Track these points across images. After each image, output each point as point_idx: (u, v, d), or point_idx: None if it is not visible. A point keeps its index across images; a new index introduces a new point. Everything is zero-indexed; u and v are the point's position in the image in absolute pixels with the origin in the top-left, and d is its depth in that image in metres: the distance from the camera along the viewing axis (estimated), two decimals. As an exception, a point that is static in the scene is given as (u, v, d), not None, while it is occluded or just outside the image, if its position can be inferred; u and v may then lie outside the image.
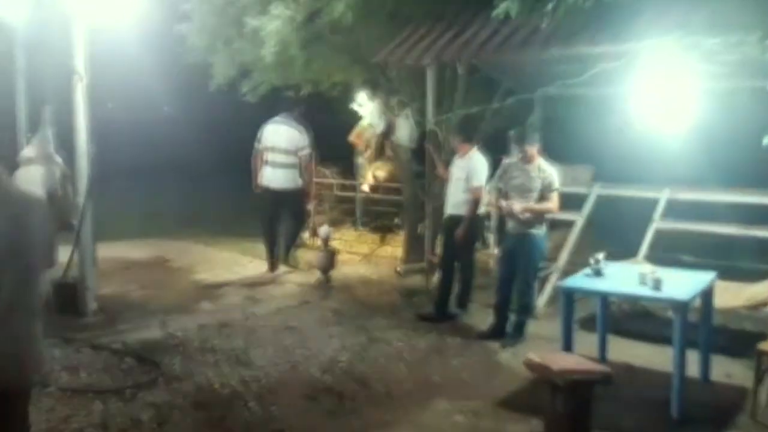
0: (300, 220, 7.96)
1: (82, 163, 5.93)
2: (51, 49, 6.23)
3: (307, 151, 7.54)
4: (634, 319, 5.94)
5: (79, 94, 5.88)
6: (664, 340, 4.86)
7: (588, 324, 5.61)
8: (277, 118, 7.62)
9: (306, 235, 8.69)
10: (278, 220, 7.66)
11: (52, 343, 5.16)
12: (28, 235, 2.48)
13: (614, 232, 6.99)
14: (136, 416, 4.13)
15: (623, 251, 6.09)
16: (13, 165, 6.25)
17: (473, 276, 6.47)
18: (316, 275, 7.49)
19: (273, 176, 7.45)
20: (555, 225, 7.22)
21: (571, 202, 7.06)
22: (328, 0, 6.92)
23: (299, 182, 7.59)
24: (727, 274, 5.81)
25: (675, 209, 6.67)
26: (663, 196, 6.55)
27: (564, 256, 6.59)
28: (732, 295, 5.45)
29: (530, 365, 4.11)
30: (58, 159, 6.30)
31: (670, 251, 6.31)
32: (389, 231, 9.16)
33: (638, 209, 6.83)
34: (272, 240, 7.63)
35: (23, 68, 6.77)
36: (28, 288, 2.50)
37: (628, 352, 5.31)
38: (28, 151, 6.33)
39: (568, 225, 6.98)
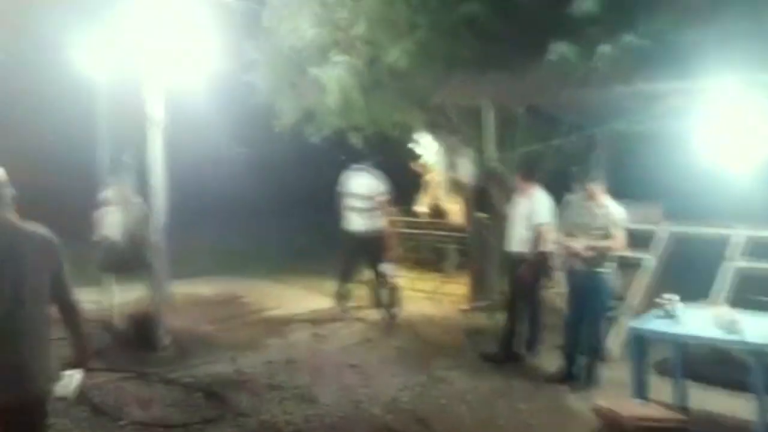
0: (379, 260, 7.97)
1: (157, 203, 6.21)
2: (130, 99, 6.59)
3: (383, 196, 7.77)
4: (714, 364, 5.66)
5: (154, 140, 6.20)
6: (746, 386, 4.61)
7: (663, 368, 5.38)
8: (357, 167, 7.92)
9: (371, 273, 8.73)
10: (358, 261, 7.91)
11: (126, 376, 5.40)
12: (20, 266, 2.72)
13: (687, 271, 6.75)
14: (204, 452, 4.23)
15: (696, 292, 5.87)
16: (95, 206, 6.64)
17: (540, 316, 6.36)
18: (380, 313, 7.52)
19: (354, 221, 7.73)
20: (627, 264, 7.07)
21: (641, 240, 6.88)
22: (385, 47, 7.07)
23: (378, 225, 7.78)
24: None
25: (750, 248, 6.38)
26: (740, 233, 6.28)
27: (635, 297, 6.39)
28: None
29: (599, 412, 4.01)
30: (137, 200, 6.61)
31: (747, 292, 6.02)
32: (453, 269, 9.11)
33: (712, 248, 6.57)
34: (347, 278, 7.83)
35: (105, 117, 7.18)
36: (24, 314, 2.71)
37: (707, 399, 5.05)
38: (108, 193, 6.67)
39: (641, 264, 6.77)
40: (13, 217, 2.83)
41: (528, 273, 5.97)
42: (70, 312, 2.97)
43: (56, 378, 2.91)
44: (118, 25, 6.31)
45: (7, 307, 2.68)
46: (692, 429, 4.48)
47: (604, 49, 4.42)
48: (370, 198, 7.72)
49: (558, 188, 6.81)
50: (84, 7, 6.77)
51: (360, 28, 7.10)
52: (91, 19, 6.71)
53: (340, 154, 8.87)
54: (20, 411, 2.72)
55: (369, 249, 7.76)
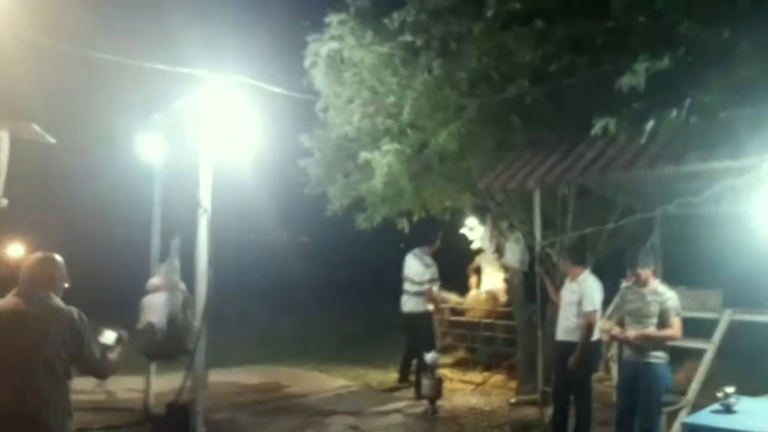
0: (422, 342, 7.94)
1: (201, 288, 6.25)
2: (182, 184, 6.81)
3: (429, 281, 8.07)
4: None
5: (202, 225, 6.31)
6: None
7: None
8: (415, 251, 8.25)
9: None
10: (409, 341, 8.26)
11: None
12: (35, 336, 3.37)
13: (749, 362, 6.28)
14: None
15: (761, 385, 5.41)
16: (142, 292, 6.74)
17: (591, 408, 5.95)
18: (423, 405, 7.21)
19: (404, 302, 8.14)
20: (686, 354, 6.63)
21: (699, 328, 6.49)
22: (433, 131, 7.16)
23: (424, 307, 8.05)
24: None
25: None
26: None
27: (694, 388, 5.95)
28: None
29: None
30: (182, 286, 6.66)
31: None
32: (504, 359, 8.76)
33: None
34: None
35: (159, 201, 7.41)
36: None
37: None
38: (155, 280, 6.77)
39: (700, 354, 6.35)
40: (50, 298, 3.48)
41: (577, 363, 5.64)
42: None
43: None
44: (179, 112, 6.62)
45: (32, 366, 3.32)
46: None
47: (649, 125, 4.29)
48: (416, 282, 8.02)
49: (612, 274, 6.56)
50: (147, 91, 7.15)
51: (409, 115, 7.23)
52: (153, 103, 7.05)
53: (396, 242, 8.91)
54: None
55: (413, 332, 7.98)
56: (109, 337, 3.75)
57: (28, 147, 5.96)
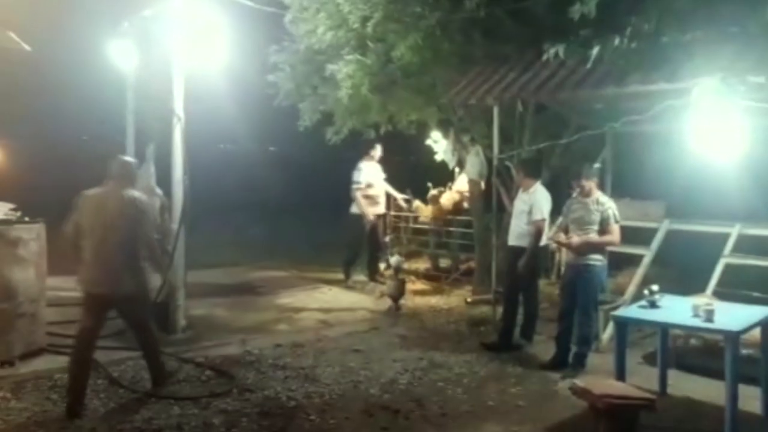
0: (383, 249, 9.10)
1: (177, 194, 6.60)
2: (155, 93, 6.99)
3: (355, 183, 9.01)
4: (701, 354, 5.86)
5: (176, 133, 6.59)
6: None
7: (653, 359, 5.60)
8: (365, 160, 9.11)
9: (382, 266, 9.08)
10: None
11: (143, 355, 5.77)
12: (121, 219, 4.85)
13: (688, 268, 6.92)
14: (209, 420, 4.59)
15: (695, 287, 6.06)
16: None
17: (537, 307, 6.60)
18: (387, 303, 7.83)
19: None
20: (629, 260, 7.26)
21: (643, 237, 7.08)
22: (394, 44, 7.37)
23: (358, 210, 8.98)
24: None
25: (748, 245, 6.54)
26: (733, 231, 6.45)
27: (631, 290, 6.59)
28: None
29: (575, 390, 4.25)
30: (159, 191, 6.99)
31: (741, 287, 6.19)
32: (462, 263, 9.39)
33: (711, 245, 6.74)
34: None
35: (132, 110, 7.60)
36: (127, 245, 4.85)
37: (690, 386, 5.30)
38: (132, 184, 7.07)
39: (641, 260, 6.96)
40: (128, 187, 4.96)
41: (525, 266, 6.21)
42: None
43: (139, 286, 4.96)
44: (149, 22, 6.72)
45: (115, 241, 4.80)
46: (674, 413, 4.76)
47: (594, 50, 4.66)
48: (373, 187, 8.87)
49: (566, 186, 7.04)
50: (116, 2, 7.19)
51: (369, 27, 7.40)
52: (122, 13, 7.10)
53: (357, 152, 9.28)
54: (119, 302, 4.92)
55: (351, 231, 8.92)
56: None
57: (3, 54, 6.07)
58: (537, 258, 6.36)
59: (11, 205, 5.90)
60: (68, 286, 7.84)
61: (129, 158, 5.34)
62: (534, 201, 6.31)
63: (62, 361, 5.46)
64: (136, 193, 4.97)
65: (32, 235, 5.63)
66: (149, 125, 7.28)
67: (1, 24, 5.74)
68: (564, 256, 7.42)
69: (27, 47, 6.19)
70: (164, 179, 6.78)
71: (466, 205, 9.29)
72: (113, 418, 4.54)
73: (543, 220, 6.25)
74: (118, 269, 4.80)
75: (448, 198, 9.43)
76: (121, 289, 4.83)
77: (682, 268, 7.17)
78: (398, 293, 7.73)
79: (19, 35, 5.97)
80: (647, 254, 6.84)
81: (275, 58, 8.69)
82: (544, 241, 6.36)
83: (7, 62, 6.22)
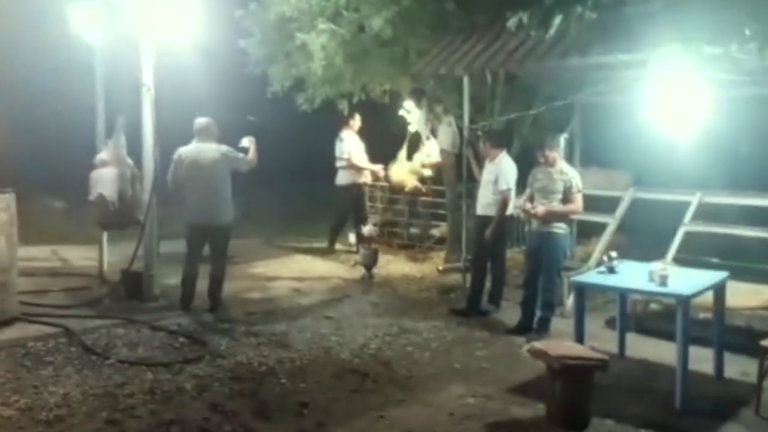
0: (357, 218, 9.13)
1: (148, 165, 6.61)
2: (124, 64, 6.95)
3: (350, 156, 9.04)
4: (659, 318, 6.08)
5: (146, 104, 6.58)
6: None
7: (615, 324, 5.80)
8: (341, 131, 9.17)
9: (354, 235, 9.20)
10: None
11: (116, 323, 5.87)
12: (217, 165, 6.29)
13: (651, 235, 7.12)
14: (181, 385, 4.71)
15: (658, 254, 6.25)
16: (90, 167, 7.05)
17: (504, 274, 6.79)
18: (360, 272, 7.96)
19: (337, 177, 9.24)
20: (595, 229, 7.45)
21: (607, 205, 7.26)
22: (369, 16, 7.38)
23: (346, 180, 9.09)
24: (756, 276, 5.92)
25: (709, 212, 6.75)
26: (694, 199, 6.65)
27: (595, 257, 6.77)
28: (755, 296, 5.54)
29: (533, 352, 4.45)
30: (129, 161, 7.00)
31: (702, 254, 6.40)
32: (433, 232, 9.54)
33: (674, 213, 6.94)
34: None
35: (101, 80, 7.52)
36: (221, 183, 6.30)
37: (647, 349, 5.51)
38: (103, 155, 7.07)
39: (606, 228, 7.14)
40: (213, 142, 6.35)
41: (491, 235, 6.36)
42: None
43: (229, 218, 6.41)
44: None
45: (212, 184, 6.24)
46: (628, 374, 4.98)
47: (557, 19, 4.74)
48: (338, 157, 8.98)
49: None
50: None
51: (343, -1, 7.41)
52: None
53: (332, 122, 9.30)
54: (216, 230, 6.32)
55: (345, 202, 9.03)
56: (245, 141, 6.55)
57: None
58: (503, 226, 6.52)
59: (-20, 176, 5.89)
60: (41, 256, 7.95)
61: (208, 118, 6.44)
62: (500, 171, 6.44)
63: (36, 329, 5.55)
64: (222, 146, 6.33)
65: (2, 205, 5.63)
66: (119, 96, 7.25)
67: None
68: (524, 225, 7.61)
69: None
70: (135, 149, 6.80)
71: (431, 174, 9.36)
72: (86, 384, 4.63)
73: (509, 189, 6.39)
74: (214, 206, 6.25)
75: (400, 169, 9.43)
76: (217, 220, 6.28)
77: (646, 235, 7.37)
78: (371, 262, 7.86)
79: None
80: (612, 222, 7.02)
81: (244, 23, 8.63)
82: (510, 210, 6.50)
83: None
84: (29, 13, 8.44)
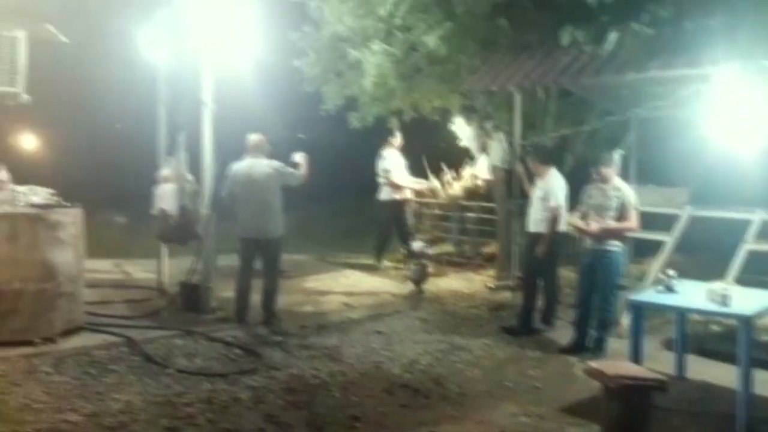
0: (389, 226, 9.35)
1: (207, 181, 6.83)
2: (184, 82, 7.21)
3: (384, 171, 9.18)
4: (721, 339, 5.92)
5: (205, 121, 6.81)
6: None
7: (672, 345, 5.66)
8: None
9: (404, 250, 9.25)
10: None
11: (176, 334, 6.05)
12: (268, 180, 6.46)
13: (710, 254, 6.93)
14: (237, 396, 4.82)
15: (716, 273, 6.08)
16: (153, 182, 7.32)
17: (556, 292, 6.71)
18: (410, 288, 7.99)
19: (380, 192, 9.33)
20: (652, 247, 7.29)
21: (664, 223, 7.10)
22: (422, 35, 7.48)
23: (388, 196, 9.18)
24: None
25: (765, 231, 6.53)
26: (755, 217, 6.45)
27: (652, 275, 6.64)
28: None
29: (589, 371, 4.38)
30: (190, 177, 7.22)
31: (763, 274, 6.19)
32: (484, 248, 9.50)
33: (734, 231, 6.74)
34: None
35: (164, 99, 7.82)
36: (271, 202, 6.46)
37: (708, 371, 5.37)
38: (165, 171, 7.32)
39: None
40: (264, 157, 6.54)
41: (542, 251, 6.32)
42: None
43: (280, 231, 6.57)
44: (177, 13, 6.91)
45: (264, 198, 6.39)
46: (689, 396, 4.85)
47: (612, 35, 4.71)
48: (379, 174, 9.13)
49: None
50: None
51: (396, 17, 7.52)
52: (152, 6, 7.32)
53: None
54: (268, 243, 6.48)
55: (381, 218, 9.17)
56: (297, 157, 6.70)
57: (43, 47, 6.34)
58: (555, 243, 6.46)
59: (51, 191, 6.18)
60: (104, 268, 8.26)
61: (260, 134, 6.67)
62: (549, 187, 6.42)
63: (100, 338, 5.78)
64: (273, 161, 6.52)
65: (71, 219, 5.89)
66: (181, 114, 7.49)
67: (40, 18, 5.99)
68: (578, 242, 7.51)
69: (64, 39, 6.45)
70: (195, 166, 7.02)
71: (481, 191, 9.36)
72: (147, 392, 4.79)
73: (558, 206, 6.34)
74: (266, 219, 6.43)
75: (460, 185, 9.53)
76: (269, 234, 6.46)
77: (705, 254, 7.18)
78: (421, 278, 7.89)
79: (56, 27, 6.22)
80: (669, 240, 6.87)
81: (300, 44, 8.88)
82: (562, 227, 6.44)
83: (46, 54, 6.48)
84: (93, 34, 8.85)
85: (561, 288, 7.00)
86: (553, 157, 6.81)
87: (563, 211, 6.37)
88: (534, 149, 7.02)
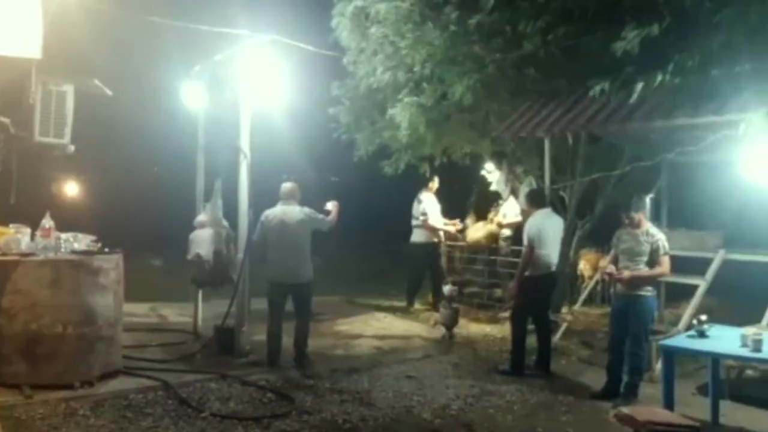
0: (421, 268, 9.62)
1: (243, 226, 7.01)
2: (224, 131, 7.48)
3: (422, 214, 9.45)
4: (756, 385, 5.81)
5: (243, 169, 7.03)
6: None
7: (707, 390, 5.58)
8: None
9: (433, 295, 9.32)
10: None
11: (210, 378, 6.15)
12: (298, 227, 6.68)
13: (744, 298, 6.84)
14: (270, 439, 4.87)
15: (750, 318, 6.01)
16: (190, 227, 7.53)
17: (548, 336, 6.94)
18: (441, 331, 8.01)
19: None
20: (685, 291, 7.23)
21: (697, 267, 7.05)
22: (451, 84, 7.68)
23: (422, 239, 9.45)
24: None
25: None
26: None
27: (684, 320, 6.57)
28: None
29: (620, 417, 4.35)
30: (225, 223, 7.42)
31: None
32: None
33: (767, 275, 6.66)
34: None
35: (202, 146, 8.09)
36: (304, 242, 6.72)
37: (743, 417, 5.29)
38: (202, 217, 7.54)
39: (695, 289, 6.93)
40: (296, 204, 6.78)
41: (509, 291, 6.64)
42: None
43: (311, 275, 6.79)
44: (219, 65, 7.24)
45: (295, 244, 6.63)
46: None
47: (638, 86, 4.82)
48: (415, 217, 9.37)
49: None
50: (187, 48, 7.78)
51: (425, 68, 7.75)
52: (194, 58, 7.68)
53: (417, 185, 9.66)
54: (300, 287, 6.64)
55: (413, 260, 9.44)
56: (329, 205, 6.99)
57: (88, 99, 6.67)
58: (526, 282, 6.62)
59: (92, 237, 6.41)
60: (140, 312, 8.45)
61: (293, 182, 6.90)
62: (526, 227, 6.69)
63: (137, 382, 5.89)
64: (305, 208, 6.77)
65: (111, 265, 6.07)
66: (218, 161, 7.75)
67: (88, 72, 6.33)
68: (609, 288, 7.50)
69: (109, 92, 6.78)
70: (230, 212, 7.22)
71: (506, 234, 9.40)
72: (183, 436, 4.88)
73: (527, 245, 6.58)
74: (298, 263, 6.63)
75: (477, 229, 9.59)
76: (301, 278, 6.64)
77: (739, 298, 7.09)
78: (452, 322, 7.91)
79: (102, 81, 6.56)
80: (702, 284, 6.81)
81: (337, 92, 9.21)
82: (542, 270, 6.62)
83: (90, 106, 6.81)
84: (137, 86, 9.28)
85: (593, 332, 6.96)
86: (541, 199, 6.92)
87: (533, 249, 6.55)
88: (527, 193, 7.15)
